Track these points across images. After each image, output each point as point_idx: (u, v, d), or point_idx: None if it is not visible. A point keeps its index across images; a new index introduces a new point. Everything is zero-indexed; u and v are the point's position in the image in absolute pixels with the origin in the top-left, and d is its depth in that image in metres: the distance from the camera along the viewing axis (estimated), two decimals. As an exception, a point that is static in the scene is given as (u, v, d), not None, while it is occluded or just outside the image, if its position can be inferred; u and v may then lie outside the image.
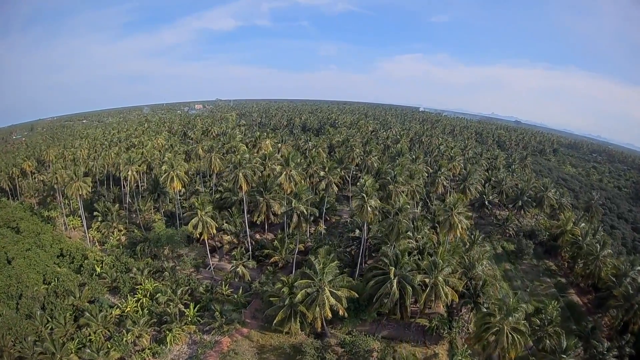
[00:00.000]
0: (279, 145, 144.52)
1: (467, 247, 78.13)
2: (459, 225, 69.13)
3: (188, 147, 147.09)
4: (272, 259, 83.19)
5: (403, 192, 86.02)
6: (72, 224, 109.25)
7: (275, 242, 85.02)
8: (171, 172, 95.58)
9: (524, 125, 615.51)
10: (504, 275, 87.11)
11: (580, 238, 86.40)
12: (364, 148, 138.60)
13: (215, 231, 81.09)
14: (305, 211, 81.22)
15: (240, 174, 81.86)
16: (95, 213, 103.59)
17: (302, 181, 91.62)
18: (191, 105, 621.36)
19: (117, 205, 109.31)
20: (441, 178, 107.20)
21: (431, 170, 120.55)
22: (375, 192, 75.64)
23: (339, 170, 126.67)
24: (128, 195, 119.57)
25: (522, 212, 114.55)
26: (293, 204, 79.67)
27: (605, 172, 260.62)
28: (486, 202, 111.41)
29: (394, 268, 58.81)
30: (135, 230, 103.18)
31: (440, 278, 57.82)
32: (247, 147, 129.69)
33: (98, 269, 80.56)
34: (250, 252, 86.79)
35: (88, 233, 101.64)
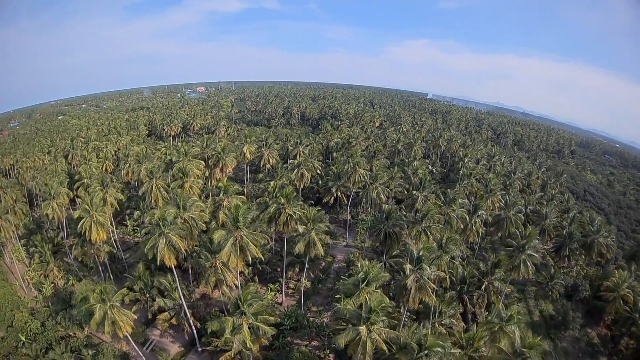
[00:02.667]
0: (263, 150, 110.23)
1: None
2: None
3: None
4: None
5: (433, 284, 48.16)
6: (17, 255, 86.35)
7: (227, 329, 50.27)
8: (88, 219, 63.19)
9: (531, 118, 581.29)
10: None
11: (632, 308, 62.43)
12: (369, 163, 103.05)
13: (130, 329, 48.85)
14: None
15: (161, 243, 47.64)
16: (32, 249, 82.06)
17: (266, 239, 57.63)
18: (193, 88, 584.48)
19: (60, 236, 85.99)
20: (477, 223, 71.24)
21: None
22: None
23: (333, 190, 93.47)
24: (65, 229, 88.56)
25: (566, 261, 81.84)
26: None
27: (624, 180, 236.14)
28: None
29: None
30: (71, 279, 75.84)
31: None
32: (206, 164, 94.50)
33: (23, 338, 60.26)
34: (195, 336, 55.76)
35: (26, 274, 79.33)
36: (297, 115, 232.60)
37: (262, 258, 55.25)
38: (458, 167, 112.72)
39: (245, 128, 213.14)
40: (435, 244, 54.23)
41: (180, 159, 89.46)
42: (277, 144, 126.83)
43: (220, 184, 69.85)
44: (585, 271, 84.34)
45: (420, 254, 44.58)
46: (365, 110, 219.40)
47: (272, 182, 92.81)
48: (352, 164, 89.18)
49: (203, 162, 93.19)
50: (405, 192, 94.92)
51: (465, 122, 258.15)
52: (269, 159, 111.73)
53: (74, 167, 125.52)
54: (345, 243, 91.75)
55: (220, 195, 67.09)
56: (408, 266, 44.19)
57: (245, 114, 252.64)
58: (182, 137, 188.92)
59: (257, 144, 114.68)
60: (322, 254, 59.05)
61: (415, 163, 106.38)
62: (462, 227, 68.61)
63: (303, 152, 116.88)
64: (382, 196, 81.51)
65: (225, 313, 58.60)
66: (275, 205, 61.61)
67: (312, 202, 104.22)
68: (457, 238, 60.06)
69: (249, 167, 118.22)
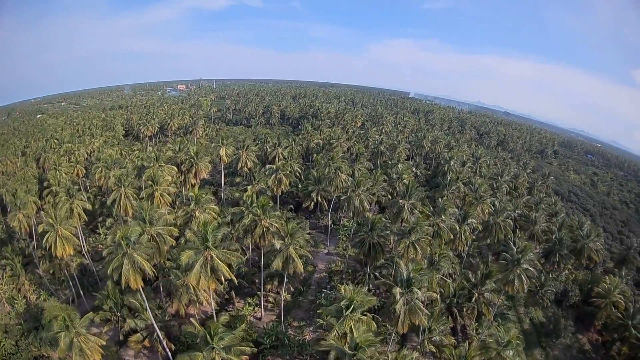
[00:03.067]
0: (240, 152, 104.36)
1: None
2: None
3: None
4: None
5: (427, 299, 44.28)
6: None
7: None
8: (52, 233, 56.91)
9: (513, 117, 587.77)
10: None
11: (623, 314, 60.61)
12: (351, 167, 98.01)
13: (99, 355, 43.81)
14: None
15: (126, 265, 41.63)
16: (2, 261, 73.43)
17: (240, 257, 52.12)
18: (174, 86, 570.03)
19: (32, 246, 77.43)
20: (466, 232, 66.74)
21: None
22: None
23: (313, 195, 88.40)
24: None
25: (557, 266, 78.29)
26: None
27: (607, 180, 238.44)
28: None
29: None
30: (42, 294, 69.02)
31: None
32: (178, 169, 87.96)
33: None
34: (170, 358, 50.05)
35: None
36: (277, 115, 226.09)
37: (235, 281, 49.10)
38: (444, 170, 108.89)
39: (224, 128, 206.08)
40: (425, 260, 49.45)
41: (151, 165, 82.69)
42: (256, 145, 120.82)
43: (191, 193, 63.65)
44: (574, 275, 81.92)
45: (411, 275, 39.66)
46: (346, 110, 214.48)
47: (249, 188, 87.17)
48: (333, 169, 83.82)
49: (175, 168, 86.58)
50: (389, 198, 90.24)
51: (449, 121, 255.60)
52: (246, 161, 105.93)
53: (45, 171, 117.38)
54: (326, 250, 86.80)
55: (192, 206, 61.11)
56: (397, 290, 39.27)
57: (225, 112, 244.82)
58: (159, 138, 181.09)
59: (234, 145, 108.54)
60: (302, 270, 53.67)
61: (399, 166, 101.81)
62: (451, 237, 64.03)
63: (282, 154, 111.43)
64: (366, 204, 76.34)
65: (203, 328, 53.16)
66: (250, 216, 55.96)
67: (292, 207, 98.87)
68: (450, 254, 55.68)
69: (226, 171, 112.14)
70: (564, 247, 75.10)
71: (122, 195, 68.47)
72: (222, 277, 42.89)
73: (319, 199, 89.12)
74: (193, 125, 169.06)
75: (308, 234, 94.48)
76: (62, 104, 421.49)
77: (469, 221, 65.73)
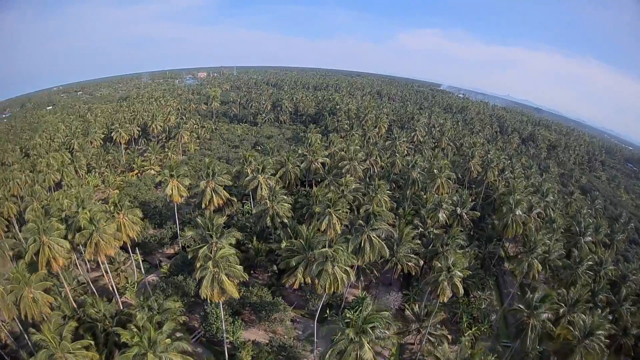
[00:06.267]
0: (204, 185, 69.10)
1: None
2: None
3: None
4: None
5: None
6: None
7: None
8: None
9: (545, 114, 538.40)
10: None
11: None
12: (365, 214, 60.65)
13: None
14: None
15: None
16: None
17: None
18: (194, 73, 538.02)
19: None
20: None
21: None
22: None
23: (299, 273, 51.76)
24: None
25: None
26: None
27: None
28: None
29: None
30: None
31: None
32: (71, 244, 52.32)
33: None
34: None
35: None
36: (288, 111, 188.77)
37: None
38: (505, 222, 69.43)
39: (223, 126, 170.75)
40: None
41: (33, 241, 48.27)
42: (233, 167, 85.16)
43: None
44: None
45: None
46: (369, 107, 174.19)
47: (201, 250, 51.79)
48: (331, 255, 45.75)
49: (67, 244, 51.44)
50: (423, 262, 54.70)
51: (490, 124, 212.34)
52: (212, 196, 70.60)
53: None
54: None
55: None
56: None
57: (230, 107, 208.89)
58: (142, 142, 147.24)
59: (202, 171, 73.40)
60: None
61: (448, 241, 62.46)
62: None
63: (266, 183, 75.13)
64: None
65: None
66: None
67: (269, 285, 63.44)
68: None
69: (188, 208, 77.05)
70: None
71: None
72: None
73: (308, 279, 52.39)
74: (177, 128, 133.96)
75: (291, 320, 59.60)
76: (79, 93, 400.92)
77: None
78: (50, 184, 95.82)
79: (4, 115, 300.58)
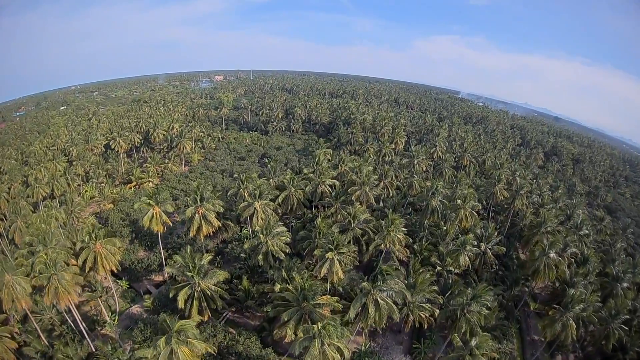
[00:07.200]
0: (194, 211, 60.38)
1: None
2: None
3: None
4: None
5: None
6: None
7: None
8: None
9: (564, 123, 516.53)
10: None
11: None
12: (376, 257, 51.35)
13: None
14: None
15: None
16: None
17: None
18: (210, 77, 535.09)
19: None
20: None
21: None
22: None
23: (290, 328, 42.58)
24: None
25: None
26: None
27: None
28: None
29: None
30: None
31: None
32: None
33: None
34: None
35: None
36: (300, 119, 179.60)
37: None
38: (535, 267, 58.85)
39: (231, 135, 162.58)
40: None
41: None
42: (229, 189, 75.85)
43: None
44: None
45: None
46: (386, 119, 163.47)
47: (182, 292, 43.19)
48: (317, 332, 36.35)
49: (28, 285, 43.72)
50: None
51: (512, 137, 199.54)
52: (202, 225, 61.84)
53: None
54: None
55: None
56: None
57: (241, 113, 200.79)
58: (144, 150, 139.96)
59: (192, 194, 64.62)
60: None
61: (472, 303, 51.31)
62: None
63: (263, 210, 66.05)
64: None
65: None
66: None
67: (259, 329, 54.21)
68: None
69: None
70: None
71: None
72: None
73: (300, 334, 43.02)
74: (179, 137, 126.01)
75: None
76: (94, 93, 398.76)
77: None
78: (37, 199, 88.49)
79: (17, 114, 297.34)
